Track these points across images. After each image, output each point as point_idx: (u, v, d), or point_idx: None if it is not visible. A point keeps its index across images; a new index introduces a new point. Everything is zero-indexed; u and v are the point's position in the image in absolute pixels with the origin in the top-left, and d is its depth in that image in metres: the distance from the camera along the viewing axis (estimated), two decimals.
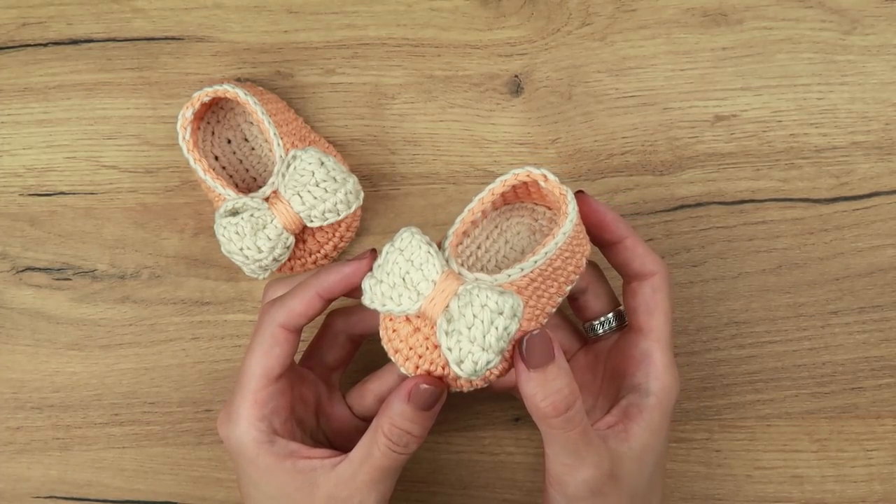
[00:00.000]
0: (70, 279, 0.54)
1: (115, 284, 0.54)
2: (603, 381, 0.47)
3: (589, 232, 0.45)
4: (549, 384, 0.40)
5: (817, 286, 0.54)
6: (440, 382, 0.41)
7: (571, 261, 0.43)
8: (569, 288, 0.44)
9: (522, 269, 0.41)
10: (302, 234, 0.51)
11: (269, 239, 0.49)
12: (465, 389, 0.42)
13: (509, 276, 0.41)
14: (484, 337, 0.39)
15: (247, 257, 0.49)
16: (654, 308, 0.45)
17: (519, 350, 0.40)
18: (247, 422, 0.43)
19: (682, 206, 0.54)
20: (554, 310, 0.44)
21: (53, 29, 0.54)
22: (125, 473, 0.54)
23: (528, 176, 0.43)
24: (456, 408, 0.54)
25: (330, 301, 0.44)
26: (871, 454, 0.54)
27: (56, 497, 0.54)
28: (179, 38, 0.54)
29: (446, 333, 0.39)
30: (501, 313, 0.39)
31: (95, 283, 0.54)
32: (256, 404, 0.43)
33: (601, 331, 0.48)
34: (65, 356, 0.54)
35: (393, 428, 0.41)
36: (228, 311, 0.54)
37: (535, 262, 0.41)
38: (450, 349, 0.39)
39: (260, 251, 0.49)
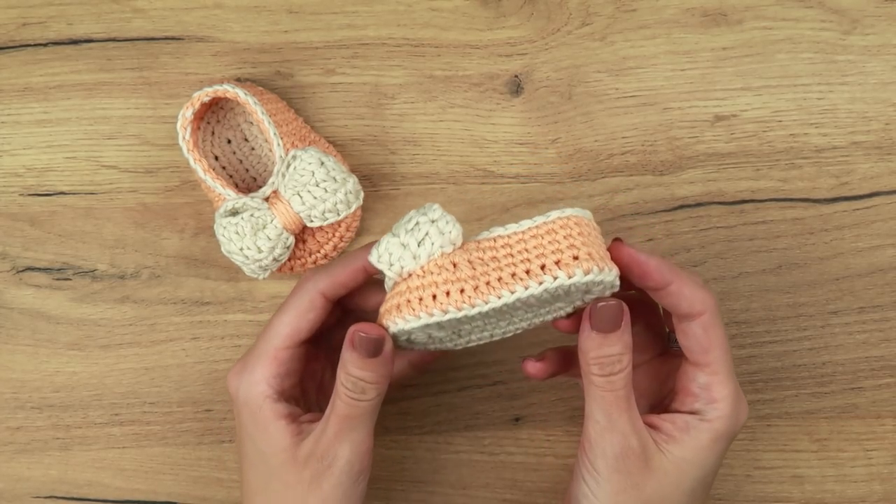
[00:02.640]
0: (70, 279, 0.54)
1: (115, 284, 0.54)
2: (665, 397, 0.47)
3: (633, 279, 0.44)
4: (604, 347, 0.42)
5: (817, 286, 0.54)
6: (378, 329, 0.42)
7: (534, 261, 0.41)
8: (534, 283, 0.40)
9: (491, 232, 0.42)
10: (302, 234, 0.51)
11: (269, 239, 0.49)
12: (398, 335, 0.42)
13: (477, 237, 0.42)
14: (398, 224, 0.41)
15: (247, 257, 0.49)
16: (707, 346, 0.44)
17: (591, 309, 0.42)
18: (261, 374, 0.44)
19: (682, 206, 0.54)
20: (510, 295, 0.40)
21: (53, 29, 0.54)
22: (125, 473, 0.54)
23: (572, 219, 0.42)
24: (456, 408, 0.54)
25: (372, 274, 0.44)
26: (871, 454, 0.54)
27: (56, 497, 0.54)
28: (179, 38, 0.54)
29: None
30: (424, 214, 0.41)
31: (95, 283, 0.54)
32: (275, 361, 0.44)
33: (674, 346, 0.47)
34: (65, 356, 0.54)
35: (347, 377, 0.42)
36: (228, 311, 0.54)
37: (491, 231, 0.42)
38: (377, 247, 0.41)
39: (260, 251, 0.49)
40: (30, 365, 0.54)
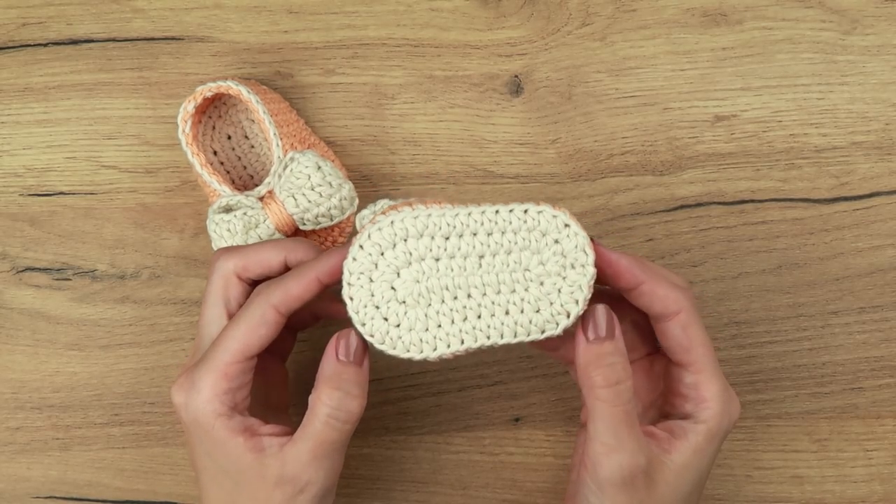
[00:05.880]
0: (70, 279, 0.54)
1: (115, 284, 0.54)
2: (658, 396, 0.47)
3: (605, 280, 0.44)
4: (604, 357, 0.41)
5: (817, 286, 0.54)
6: (358, 336, 0.42)
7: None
8: (504, 207, 0.43)
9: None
10: (294, 236, 0.51)
11: (260, 239, 0.48)
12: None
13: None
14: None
15: None
16: (688, 345, 0.44)
17: (583, 321, 0.42)
18: (211, 392, 0.42)
19: (682, 206, 0.54)
20: (479, 208, 0.43)
21: (53, 29, 0.54)
22: (125, 473, 0.54)
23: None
24: (456, 408, 0.54)
25: (327, 286, 0.43)
26: (871, 454, 0.54)
27: (56, 497, 0.54)
28: (179, 38, 0.54)
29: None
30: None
31: (95, 283, 0.54)
32: (225, 378, 0.42)
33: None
34: (65, 356, 0.54)
35: (332, 392, 0.41)
36: None
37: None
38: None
39: None
40: (30, 365, 0.54)
